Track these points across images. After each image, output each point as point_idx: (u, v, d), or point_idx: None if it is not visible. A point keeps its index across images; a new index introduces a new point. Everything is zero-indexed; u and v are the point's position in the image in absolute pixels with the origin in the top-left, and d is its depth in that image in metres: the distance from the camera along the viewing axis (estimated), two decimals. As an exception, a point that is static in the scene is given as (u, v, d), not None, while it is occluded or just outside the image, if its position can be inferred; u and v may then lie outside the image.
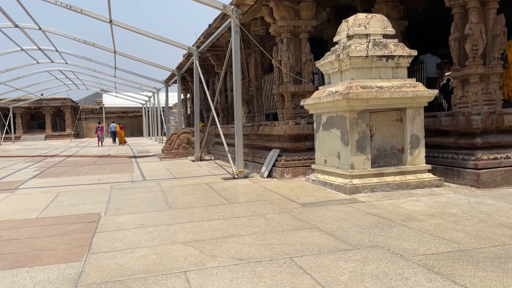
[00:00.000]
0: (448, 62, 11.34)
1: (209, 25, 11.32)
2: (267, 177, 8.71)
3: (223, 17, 9.98)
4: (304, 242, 4.06)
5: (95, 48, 16.22)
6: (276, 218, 5.11)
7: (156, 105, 30.69)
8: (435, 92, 6.88)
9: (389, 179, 6.73)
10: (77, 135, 50.85)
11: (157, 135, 31.20)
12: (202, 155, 13.47)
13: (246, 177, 9.06)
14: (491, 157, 6.73)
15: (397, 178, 6.77)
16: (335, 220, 4.93)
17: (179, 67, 17.44)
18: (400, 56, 6.85)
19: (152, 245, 4.17)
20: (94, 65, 23.60)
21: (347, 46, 6.91)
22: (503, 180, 6.68)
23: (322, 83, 9.54)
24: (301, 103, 8.00)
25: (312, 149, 8.69)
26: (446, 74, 14.53)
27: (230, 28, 10.75)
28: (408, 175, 6.85)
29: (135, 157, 16.04)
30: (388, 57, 6.80)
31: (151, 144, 27.38)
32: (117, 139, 30.61)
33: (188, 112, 23.15)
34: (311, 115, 8.80)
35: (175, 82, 21.50)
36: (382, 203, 5.85)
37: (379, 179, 6.71)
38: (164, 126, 25.30)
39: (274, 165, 8.74)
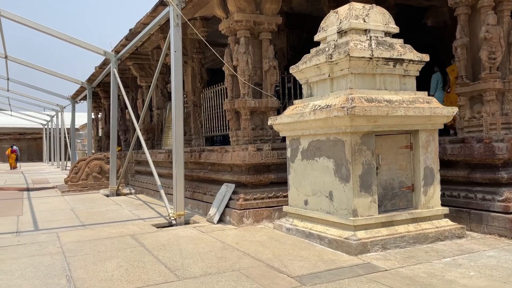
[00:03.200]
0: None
1: (136, 24, 8.86)
2: (218, 222, 6.37)
3: (157, 7, 7.63)
4: None
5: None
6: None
7: (60, 126, 26.48)
8: (455, 110, 5.21)
9: (401, 229, 4.83)
10: (-40, 159, 43.15)
11: (60, 160, 26.85)
12: (120, 187, 10.65)
13: (187, 222, 6.63)
14: (525, 196, 5.18)
15: (411, 227, 4.90)
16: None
17: (90, 79, 14.43)
18: (410, 61, 5.10)
19: None
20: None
21: (341, 44, 5.00)
22: (541, 227, 5.13)
23: (281, 99, 7.58)
24: (270, 122, 5.90)
25: (276, 184, 6.60)
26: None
27: (161, 27, 8.45)
28: (423, 222, 5.02)
29: (28, 189, 12.55)
30: (396, 61, 5.01)
31: (52, 171, 23.21)
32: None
33: (100, 134, 19.83)
34: (274, 139, 6.74)
35: (84, 98, 18.21)
36: (414, 271, 3.89)
37: (390, 230, 4.77)
38: (69, 150, 21.51)
39: (227, 206, 6.44)
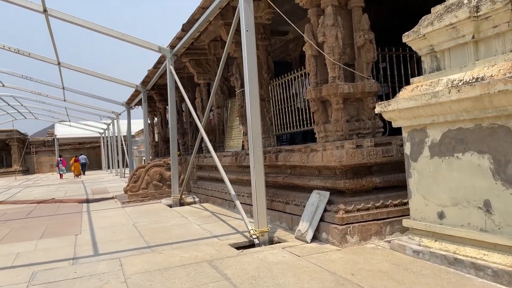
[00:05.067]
0: None
1: (194, 11, 7.77)
2: (312, 240, 5.06)
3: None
4: None
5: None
6: None
7: (116, 133, 26.42)
8: None
9: None
10: (27, 170, 45.07)
11: (118, 167, 26.79)
12: (183, 196, 9.64)
13: (271, 241, 5.39)
14: None
15: None
16: None
17: (144, 82, 13.67)
18: None
19: None
20: (42, 98, 20.21)
21: (491, -9, 3.51)
22: None
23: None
24: (378, 109, 4.50)
25: (382, 190, 5.19)
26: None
27: (221, 11, 7.32)
28: None
29: (87, 201, 11.93)
30: None
31: (111, 179, 23.04)
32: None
33: (156, 140, 19.21)
34: (375, 133, 5.33)
35: (139, 103, 17.65)
36: None
37: None
38: (126, 157, 21.16)
39: (322, 219, 5.12)
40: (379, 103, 4.48)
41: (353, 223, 4.84)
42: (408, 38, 4.28)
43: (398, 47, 6.18)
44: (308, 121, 6.75)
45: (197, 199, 9.82)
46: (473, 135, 3.58)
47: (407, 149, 4.36)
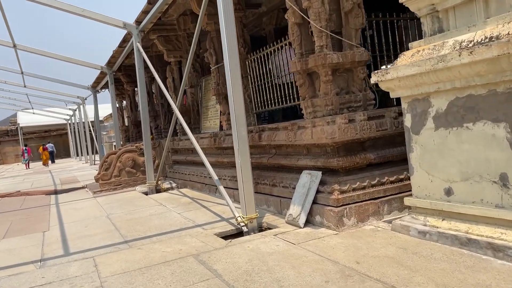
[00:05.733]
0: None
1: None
2: (305, 225, 4.67)
3: None
4: None
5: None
6: None
7: (83, 120, 25.24)
8: None
9: None
10: (-10, 162, 43.06)
11: (88, 154, 25.73)
12: (159, 182, 9.10)
13: (260, 228, 4.98)
14: None
15: None
16: None
17: (110, 63, 12.81)
18: None
19: None
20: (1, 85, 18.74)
21: None
22: None
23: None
24: (375, 79, 4.09)
25: (376, 166, 4.84)
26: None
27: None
28: None
29: (56, 192, 11.19)
30: None
31: (80, 167, 22.08)
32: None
33: (126, 124, 18.38)
34: (366, 105, 4.96)
35: (105, 86, 16.73)
36: None
37: None
38: (96, 143, 20.22)
39: (315, 201, 4.73)
40: (375, 72, 4.06)
41: (349, 204, 4.47)
42: (407, -4, 3.84)
43: (382, 13, 5.78)
44: (290, 97, 6.35)
45: (174, 185, 9.30)
46: (486, 102, 3.21)
47: (407, 121, 3.99)
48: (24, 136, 41.46)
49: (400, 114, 4.90)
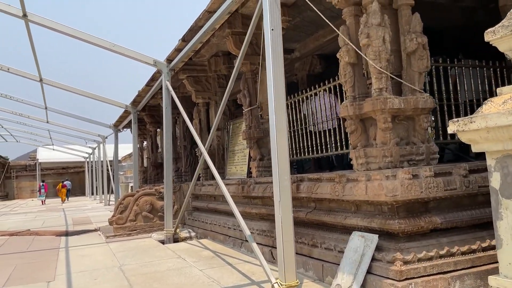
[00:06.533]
0: None
1: (198, 16, 6.75)
2: (357, 299, 3.87)
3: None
4: None
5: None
6: None
7: (102, 158, 24.97)
8: None
9: None
10: (6, 196, 42.93)
11: (103, 194, 25.21)
12: (177, 231, 8.37)
13: (302, 297, 4.18)
14: None
15: None
16: None
17: (135, 102, 12.52)
18: None
19: None
20: (23, 119, 18.90)
21: None
22: None
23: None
24: (454, 128, 3.42)
25: (443, 232, 4.08)
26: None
27: (228, 19, 6.40)
28: None
29: (67, 234, 10.52)
30: None
31: (94, 207, 21.49)
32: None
33: (145, 165, 17.93)
34: (429, 159, 4.28)
35: (127, 126, 16.47)
36: None
37: None
38: (112, 183, 19.73)
39: (369, 271, 3.95)
40: (455, 120, 3.41)
41: (414, 277, 3.68)
42: (493, 35, 3.26)
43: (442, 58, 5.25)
44: (327, 146, 5.85)
45: (193, 234, 8.55)
46: None
47: (495, 181, 3.27)
48: (41, 172, 41.52)
49: (471, 171, 4.22)
